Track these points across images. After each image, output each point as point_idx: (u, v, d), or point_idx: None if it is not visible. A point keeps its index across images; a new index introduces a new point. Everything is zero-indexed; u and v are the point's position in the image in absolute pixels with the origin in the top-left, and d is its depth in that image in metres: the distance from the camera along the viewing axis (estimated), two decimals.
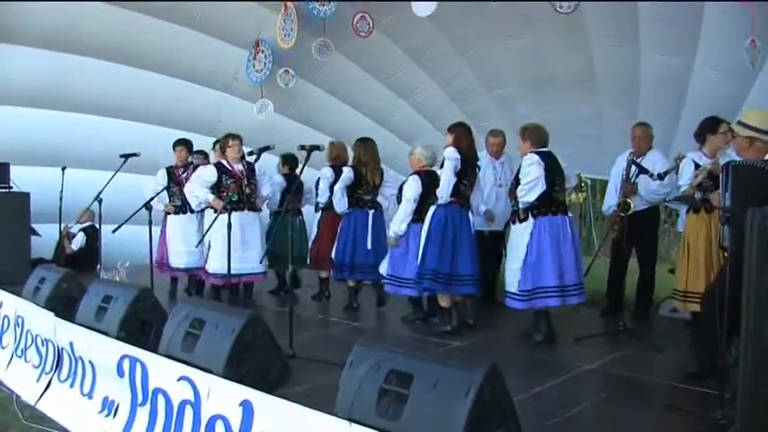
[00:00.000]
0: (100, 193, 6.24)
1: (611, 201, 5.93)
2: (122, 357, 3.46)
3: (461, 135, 5.44)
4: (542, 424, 3.39)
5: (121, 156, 6.29)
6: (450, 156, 5.24)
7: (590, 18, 6.37)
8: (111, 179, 6.30)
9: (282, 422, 2.57)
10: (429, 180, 5.55)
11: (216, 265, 6.04)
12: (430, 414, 2.37)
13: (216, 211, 5.85)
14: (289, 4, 7.27)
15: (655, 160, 5.65)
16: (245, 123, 7.61)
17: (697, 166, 4.87)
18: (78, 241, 8.83)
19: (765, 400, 2.55)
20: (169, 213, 6.95)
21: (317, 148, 4.93)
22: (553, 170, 5.10)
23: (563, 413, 3.57)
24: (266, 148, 5.32)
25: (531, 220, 5.07)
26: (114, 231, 5.85)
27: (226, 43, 7.62)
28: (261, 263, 6.02)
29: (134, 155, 6.30)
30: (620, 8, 5.82)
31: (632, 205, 5.37)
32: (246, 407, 2.68)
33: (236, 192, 6.07)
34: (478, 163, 5.66)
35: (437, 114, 8.52)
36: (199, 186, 6.22)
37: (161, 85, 7.77)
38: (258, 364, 3.38)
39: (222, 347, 3.28)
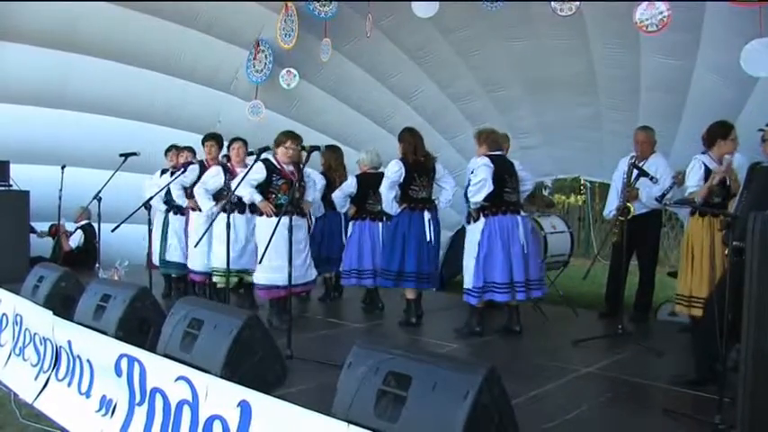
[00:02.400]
0: (99, 191, 6.23)
1: (612, 204, 5.93)
2: (120, 356, 3.46)
3: (408, 142, 5.74)
4: (541, 427, 3.38)
5: (121, 155, 6.28)
6: (387, 173, 5.71)
7: (590, 21, 6.36)
8: (110, 178, 6.29)
9: (280, 423, 2.56)
10: (368, 181, 6.29)
11: (271, 275, 5.48)
12: (428, 416, 2.36)
13: (271, 215, 5.43)
14: (289, 4, 7.27)
15: (657, 165, 5.65)
16: (245, 124, 7.62)
17: (707, 169, 4.84)
18: (76, 239, 8.83)
19: (765, 404, 2.55)
20: (194, 210, 6.42)
21: (317, 148, 4.92)
22: (504, 172, 5.34)
23: (561, 416, 3.57)
24: (266, 149, 5.32)
25: (482, 219, 5.31)
26: (113, 230, 5.83)
27: (226, 43, 7.60)
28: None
29: (134, 154, 6.30)
30: (620, 11, 5.81)
31: (633, 209, 5.38)
32: (244, 407, 2.67)
33: (286, 193, 5.55)
34: (436, 165, 5.88)
35: (437, 116, 8.52)
36: (246, 186, 5.54)
37: (161, 85, 7.75)
38: (256, 365, 3.38)
39: (220, 347, 3.27)
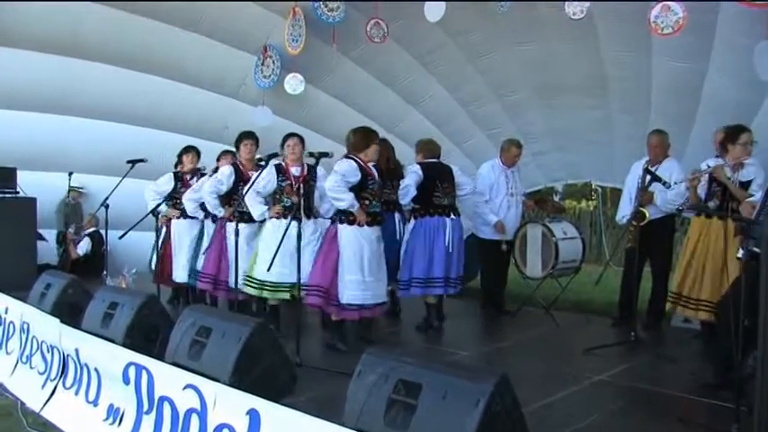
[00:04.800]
0: (106, 198, 6.27)
1: (625, 209, 5.91)
2: (128, 365, 3.46)
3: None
4: None
5: (128, 161, 6.32)
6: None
7: (601, 24, 6.36)
8: (117, 185, 6.33)
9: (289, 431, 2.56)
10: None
11: (356, 293, 5.13)
12: (439, 425, 2.35)
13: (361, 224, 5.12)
14: (297, 9, 7.28)
15: (671, 169, 5.63)
16: (252, 129, 7.63)
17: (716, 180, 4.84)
18: (84, 247, 8.87)
19: None
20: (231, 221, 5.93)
21: (326, 155, 4.94)
22: (436, 178, 5.87)
23: (573, 425, 3.55)
24: (274, 155, 5.34)
25: (413, 220, 5.90)
26: (121, 237, 5.87)
27: (234, 48, 7.63)
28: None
29: (141, 161, 6.34)
30: (631, 14, 5.80)
31: (647, 214, 5.36)
32: (253, 416, 2.67)
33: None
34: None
35: (446, 120, 8.53)
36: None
37: (168, 91, 7.77)
38: (265, 373, 3.37)
39: (229, 355, 3.27)
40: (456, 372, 2.52)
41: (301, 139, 5.62)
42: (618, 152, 7.83)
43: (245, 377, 3.22)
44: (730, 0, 5.01)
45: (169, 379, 3.22)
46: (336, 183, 4.99)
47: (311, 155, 4.95)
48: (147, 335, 4.04)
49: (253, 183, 5.41)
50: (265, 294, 5.56)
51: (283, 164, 5.54)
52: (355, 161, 5.12)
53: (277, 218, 5.44)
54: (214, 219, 6.27)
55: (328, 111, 8.24)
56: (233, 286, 5.77)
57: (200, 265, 6.33)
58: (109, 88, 7.51)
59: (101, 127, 7.89)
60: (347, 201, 5.01)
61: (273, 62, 7.72)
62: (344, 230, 5.10)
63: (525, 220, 7.29)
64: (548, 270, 6.58)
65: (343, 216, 5.11)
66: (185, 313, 3.73)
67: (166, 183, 6.74)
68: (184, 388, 3.06)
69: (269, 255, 4.91)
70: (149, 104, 7.84)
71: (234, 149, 6.41)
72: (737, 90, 5.76)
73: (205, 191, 6.06)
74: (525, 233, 6.82)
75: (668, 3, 5.17)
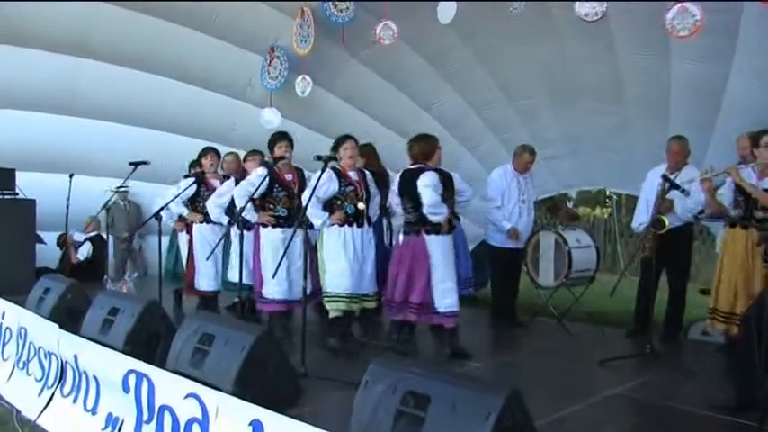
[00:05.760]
0: (108, 201, 6.27)
1: (641, 217, 5.88)
2: (128, 372, 3.46)
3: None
4: None
5: (131, 163, 6.31)
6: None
7: (616, 25, 6.31)
8: (119, 187, 6.33)
9: None
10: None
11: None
12: None
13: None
14: (306, 9, 7.29)
15: (691, 176, 5.57)
16: (259, 132, 7.63)
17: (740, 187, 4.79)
18: (85, 251, 8.89)
19: None
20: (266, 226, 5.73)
21: (334, 158, 4.95)
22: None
23: None
24: (281, 159, 5.34)
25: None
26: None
27: (241, 49, 7.64)
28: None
29: (144, 163, 6.32)
30: (647, 15, 5.77)
31: (667, 222, 5.33)
32: (256, 426, 2.66)
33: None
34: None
35: (457, 124, 8.51)
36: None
37: (173, 91, 7.77)
38: (269, 383, 3.38)
39: (232, 364, 3.28)
40: (466, 384, 2.51)
41: (356, 143, 5.52)
42: (634, 158, 7.79)
43: (248, 387, 3.23)
44: (752, 0, 4.98)
45: (170, 387, 3.21)
46: (437, 197, 5.08)
47: (319, 158, 4.94)
48: (148, 341, 4.05)
49: (314, 188, 5.07)
50: (340, 306, 5.31)
51: (339, 168, 5.39)
52: (436, 171, 5.23)
53: (340, 225, 5.30)
54: (243, 225, 5.64)
55: (337, 113, 8.24)
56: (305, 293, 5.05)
57: (232, 275, 5.98)
58: (112, 88, 7.53)
59: (103, 127, 7.91)
60: (445, 212, 5.15)
61: (281, 63, 7.74)
62: (432, 241, 5.19)
63: (537, 228, 7.28)
64: (561, 279, 6.56)
65: (431, 227, 5.18)
66: (187, 319, 3.75)
67: (189, 187, 6.49)
68: (186, 397, 3.05)
69: (337, 266, 5.15)
70: (153, 105, 7.85)
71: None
72: (762, 93, 5.70)
73: (237, 195, 5.68)
74: (538, 241, 6.80)
75: (685, 4, 5.13)
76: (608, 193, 10.52)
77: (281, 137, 5.85)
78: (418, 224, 5.20)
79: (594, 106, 7.63)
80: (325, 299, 5.35)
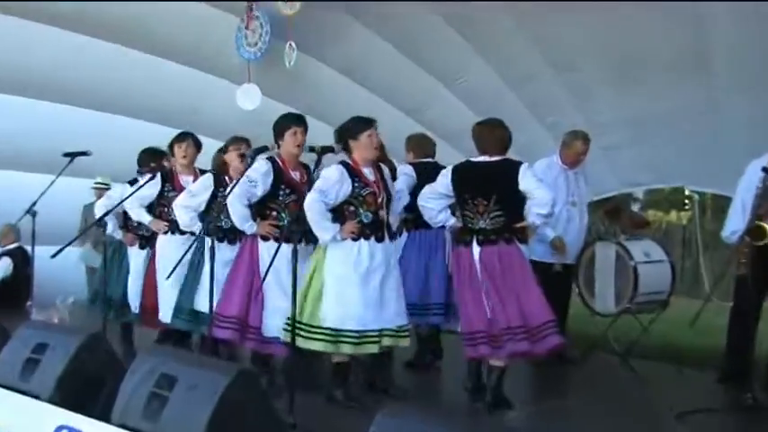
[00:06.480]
0: (34, 203, 6.22)
1: (737, 224, 5.76)
2: (58, 429, 3.43)
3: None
4: None
5: (65, 154, 6.30)
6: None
7: None
8: (50, 185, 6.30)
9: None
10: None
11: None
12: None
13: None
14: None
15: None
16: (231, 115, 7.61)
17: None
18: (2, 269, 8.85)
19: None
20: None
21: (331, 149, 5.01)
22: (432, 181, 5.62)
23: None
24: (264, 149, 5.28)
25: (405, 233, 6.16)
26: (54, 256, 5.77)
27: (210, 7, 7.57)
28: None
29: (83, 153, 6.32)
30: None
31: None
32: None
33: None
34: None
35: (489, 105, 8.40)
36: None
37: (119, 60, 7.72)
38: None
39: (199, 415, 3.21)
40: None
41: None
42: (725, 146, 7.84)
43: None
44: None
45: None
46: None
47: (312, 149, 4.97)
48: (87, 387, 3.98)
49: (322, 192, 5.02)
50: (345, 349, 5.14)
51: (351, 162, 5.23)
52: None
53: (354, 239, 5.14)
54: (224, 237, 5.83)
55: (332, 91, 8.32)
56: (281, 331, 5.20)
57: (200, 303, 5.88)
58: (34, 54, 7.34)
59: (25, 107, 7.81)
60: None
61: (261, 26, 7.70)
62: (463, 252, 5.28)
63: (593, 237, 7.31)
64: (624, 304, 6.57)
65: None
66: (140, 357, 3.69)
67: (151, 185, 6.25)
68: None
69: (343, 290, 5.03)
70: (92, 78, 7.77)
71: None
72: None
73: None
74: (593, 254, 6.84)
75: None
76: (687, 192, 10.49)
77: (297, 121, 5.57)
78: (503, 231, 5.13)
79: (668, 80, 7.67)
80: (321, 337, 5.12)
